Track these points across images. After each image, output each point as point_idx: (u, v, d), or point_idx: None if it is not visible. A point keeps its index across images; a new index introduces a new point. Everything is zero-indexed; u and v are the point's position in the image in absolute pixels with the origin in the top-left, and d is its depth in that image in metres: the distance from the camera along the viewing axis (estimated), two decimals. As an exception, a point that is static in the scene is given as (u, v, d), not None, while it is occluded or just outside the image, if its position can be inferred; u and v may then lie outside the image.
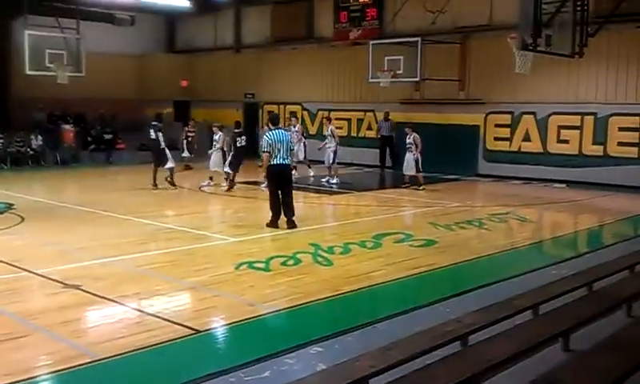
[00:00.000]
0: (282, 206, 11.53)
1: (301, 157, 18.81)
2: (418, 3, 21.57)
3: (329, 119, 19.78)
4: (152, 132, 16.68)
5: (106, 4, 25.26)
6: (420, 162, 17.18)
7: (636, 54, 17.80)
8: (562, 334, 5.50)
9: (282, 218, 11.50)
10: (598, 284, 7.09)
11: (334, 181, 18.39)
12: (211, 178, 17.33)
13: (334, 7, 24.03)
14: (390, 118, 22.28)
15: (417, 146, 17.17)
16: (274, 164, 11.34)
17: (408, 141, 17.25)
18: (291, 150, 11.86)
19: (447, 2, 20.54)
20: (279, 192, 11.53)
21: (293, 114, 22.64)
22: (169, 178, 16.68)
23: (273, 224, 11.51)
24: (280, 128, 11.97)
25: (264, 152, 11.39)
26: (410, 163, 17.26)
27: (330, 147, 18.46)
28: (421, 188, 17.13)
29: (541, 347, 5.18)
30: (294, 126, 19.25)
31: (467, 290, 7.69)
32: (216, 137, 17.55)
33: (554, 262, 9.31)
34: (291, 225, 11.46)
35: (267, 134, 11.55)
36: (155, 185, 16.65)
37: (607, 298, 6.44)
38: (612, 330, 5.65)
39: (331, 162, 18.49)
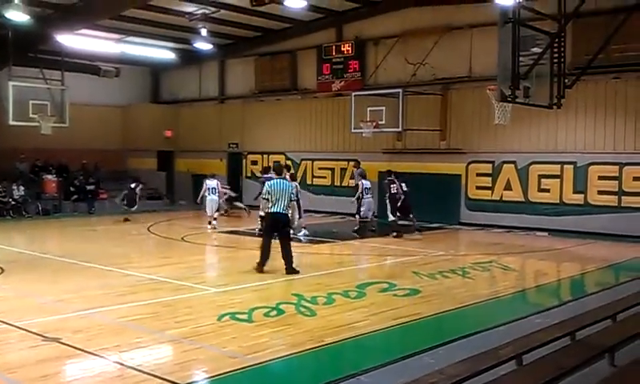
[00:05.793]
0: (280, 254, 11.80)
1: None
2: (399, 56, 22.01)
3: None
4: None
5: (91, 56, 25.49)
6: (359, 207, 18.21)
7: (613, 104, 18.23)
8: (547, 385, 5.48)
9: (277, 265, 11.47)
10: (580, 333, 7.11)
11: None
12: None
13: (317, 59, 24.44)
14: (358, 166, 20.78)
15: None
16: (271, 212, 11.79)
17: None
18: (291, 200, 12.15)
19: (427, 54, 20.98)
20: (272, 240, 11.91)
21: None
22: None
23: (259, 268, 11.73)
24: (281, 178, 12.45)
25: (263, 198, 12.08)
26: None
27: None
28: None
29: (525, 398, 5.16)
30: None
31: (452, 340, 7.65)
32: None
33: (538, 311, 9.32)
34: (290, 271, 11.70)
35: (268, 182, 12.15)
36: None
37: (590, 347, 6.44)
38: (595, 379, 5.66)
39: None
